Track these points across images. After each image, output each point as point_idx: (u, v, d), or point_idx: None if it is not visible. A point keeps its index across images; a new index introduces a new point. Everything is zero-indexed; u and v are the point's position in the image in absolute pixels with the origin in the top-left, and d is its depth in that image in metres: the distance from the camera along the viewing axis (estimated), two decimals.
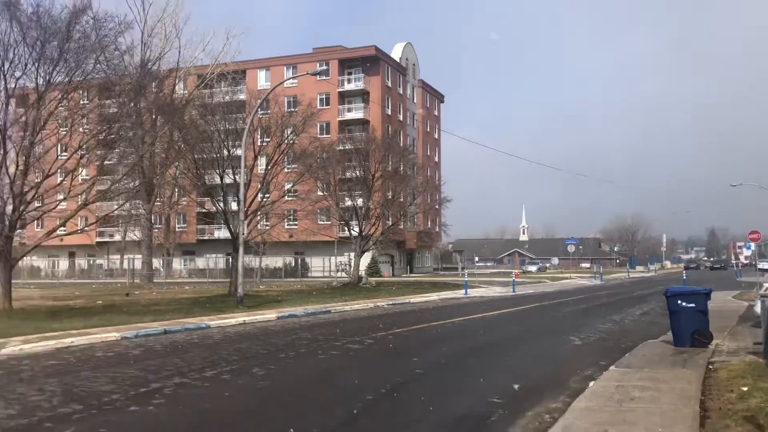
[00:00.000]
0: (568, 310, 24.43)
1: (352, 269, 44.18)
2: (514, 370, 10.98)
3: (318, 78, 57.34)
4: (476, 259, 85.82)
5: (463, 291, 34.52)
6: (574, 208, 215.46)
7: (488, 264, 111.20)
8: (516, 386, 9.29)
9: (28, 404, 8.20)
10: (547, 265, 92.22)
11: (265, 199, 34.05)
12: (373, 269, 58.33)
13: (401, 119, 70.04)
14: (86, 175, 27.94)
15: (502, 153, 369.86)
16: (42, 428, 6.96)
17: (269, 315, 20.95)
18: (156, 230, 53.85)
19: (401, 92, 70.68)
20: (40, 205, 24.98)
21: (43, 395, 8.75)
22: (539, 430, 7.00)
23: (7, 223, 21.59)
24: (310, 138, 36.81)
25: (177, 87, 48.23)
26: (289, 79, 47.08)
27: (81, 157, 24.09)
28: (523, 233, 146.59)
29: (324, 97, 62.84)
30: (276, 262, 58.89)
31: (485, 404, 8.21)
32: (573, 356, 12.63)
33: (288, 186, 38.80)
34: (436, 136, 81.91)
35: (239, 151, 28.78)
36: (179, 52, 47.54)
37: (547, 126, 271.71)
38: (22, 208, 22.08)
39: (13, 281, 23.00)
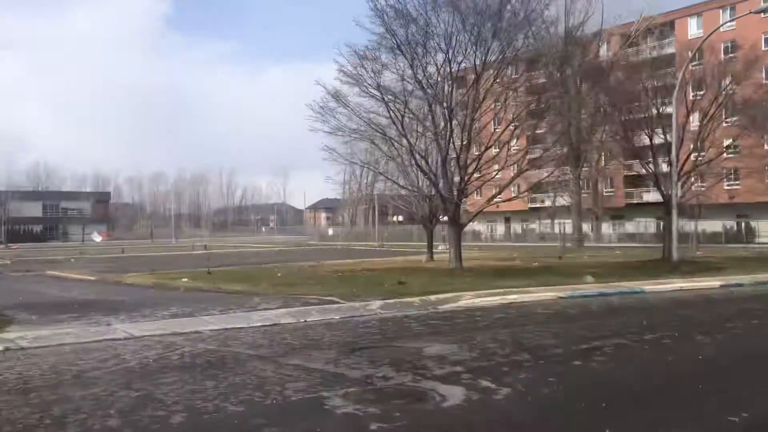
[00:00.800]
0: None
1: None
2: None
3: (762, 15, 50.24)
4: None
5: None
6: None
7: None
8: None
9: (486, 350, 9.32)
10: None
11: (699, 158, 31.57)
12: None
13: None
14: (518, 146, 29.87)
15: None
16: (500, 371, 7.84)
17: (710, 282, 19.49)
18: (584, 195, 54.57)
19: None
20: (480, 175, 27.57)
21: (496, 343, 9.83)
22: None
23: (455, 192, 24.50)
24: (754, 86, 32.65)
25: (601, 50, 47.75)
26: (726, 23, 42.42)
27: (514, 129, 25.84)
28: None
29: None
30: (714, 226, 54.06)
31: None
32: None
33: (727, 142, 35.20)
34: None
35: (669, 109, 27.21)
36: (602, 13, 46.96)
37: None
38: (466, 178, 24.78)
39: None
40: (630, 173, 50.44)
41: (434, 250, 34.33)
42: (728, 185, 47.52)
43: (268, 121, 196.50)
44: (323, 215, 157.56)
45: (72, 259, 42.33)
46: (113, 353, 9.50)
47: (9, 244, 75.46)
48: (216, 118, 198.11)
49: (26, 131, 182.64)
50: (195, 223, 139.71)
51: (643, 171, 34.04)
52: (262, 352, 9.41)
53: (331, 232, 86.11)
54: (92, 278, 25.92)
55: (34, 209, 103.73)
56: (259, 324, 12.14)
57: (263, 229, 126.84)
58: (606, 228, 64.08)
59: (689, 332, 10.73)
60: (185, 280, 22.22)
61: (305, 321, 12.54)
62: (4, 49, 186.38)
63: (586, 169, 49.22)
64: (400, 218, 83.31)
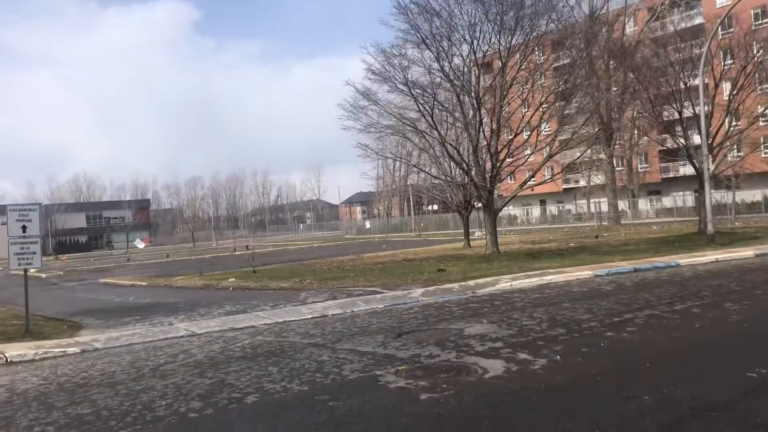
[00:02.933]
0: None
1: None
2: None
3: None
4: None
5: None
6: None
7: None
8: None
9: (524, 327, 9.96)
10: None
11: (732, 128, 31.51)
12: None
13: None
14: (548, 128, 30.19)
15: None
16: (536, 345, 8.49)
17: (745, 252, 19.74)
18: (618, 173, 54.39)
19: None
20: (512, 160, 28.02)
21: (533, 321, 10.46)
22: None
23: (488, 178, 25.04)
24: None
25: (626, 26, 47.48)
26: None
27: (543, 113, 26.21)
28: None
29: None
30: (753, 195, 53.43)
31: None
32: None
33: (761, 110, 34.94)
34: None
35: (697, 81, 27.27)
36: None
37: None
38: (497, 165, 25.28)
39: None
40: (664, 147, 50.10)
41: (471, 237, 34.90)
42: (766, 153, 46.90)
43: (299, 119, 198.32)
44: (358, 209, 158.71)
45: (123, 265, 43.98)
46: (180, 349, 10.38)
47: (58, 255, 78.06)
48: (248, 119, 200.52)
49: (65, 145, 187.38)
50: (233, 224, 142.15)
51: (675, 145, 34.07)
52: (315, 340, 10.19)
53: (368, 225, 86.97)
54: (143, 283, 27.11)
55: (78, 220, 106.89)
56: (309, 316, 12.94)
57: (300, 226, 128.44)
58: (643, 204, 63.72)
59: (719, 301, 11.20)
60: (232, 279, 23.20)
61: (352, 311, 13.31)
62: (42, 67, 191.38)
63: (618, 146, 49.07)
64: (435, 207, 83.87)
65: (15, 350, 10.91)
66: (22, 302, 20.26)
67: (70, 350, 10.92)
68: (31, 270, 13.73)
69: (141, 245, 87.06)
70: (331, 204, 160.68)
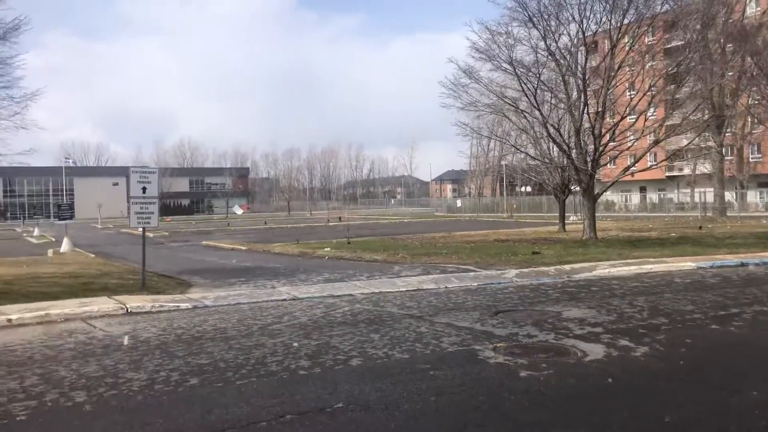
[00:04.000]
0: None
1: None
2: None
3: None
4: None
5: None
6: None
7: None
8: None
9: (624, 314, 9.85)
10: None
11: None
12: None
13: None
14: (654, 114, 29.04)
15: None
16: (637, 332, 8.40)
17: None
18: (727, 162, 51.69)
19: None
20: (615, 144, 27.20)
21: (633, 309, 10.31)
22: None
23: (589, 162, 24.47)
24: None
25: (747, 8, 44.71)
26: None
27: (652, 96, 25.26)
28: None
29: None
30: None
31: None
32: None
33: None
34: None
35: None
36: None
37: None
38: (600, 148, 24.64)
39: None
40: None
41: (566, 221, 34.26)
42: None
43: (394, 94, 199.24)
44: (449, 187, 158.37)
45: (223, 229, 45.98)
46: (284, 311, 10.91)
47: (163, 217, 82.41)
48: (345, 93, 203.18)
49: (171, 113, 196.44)
50: (326, 196, 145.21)
51: None
52: (412, 312, 10.46)
53: (459, 203, 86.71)
54: (243, 248, 28.32)
55: (182, 184, 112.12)
56: (404, 289, 13.24)
57: (391, 201, 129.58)
58: (752, 196, 60.35)
59: None
60: (328, 249, 23.88)
61: (446, 287, 13.51)
62: (153, 35, 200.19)
63: (729, 134, 46.59)
64: (529, 189, 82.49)
65: (134, 302, 11.78)
66: (134, 258, 21.77)
67: (183, 305, 11.68)
68: (139, 229, 14.69)
69: (239, 211, 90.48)
70: (421, 181, 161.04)
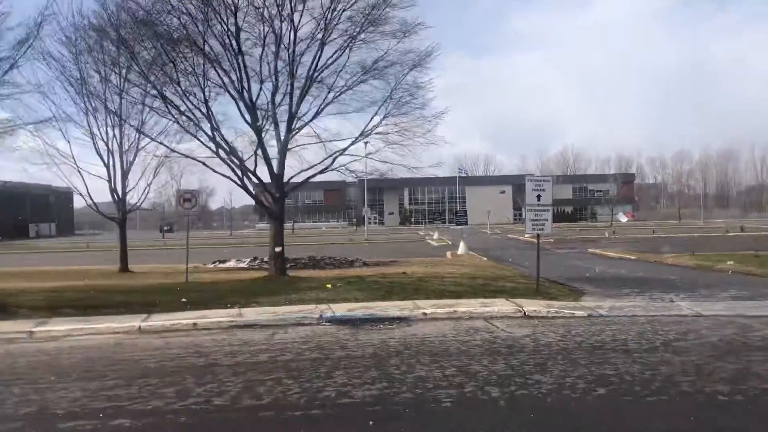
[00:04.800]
0: None
1: None
2: None
3: None
4: None
5: None
6: None
7: None
8: None
9: None
10: None
11: None
12: None
13: None
14: None
15: None
16: None
17: None
18: None
19: None
20: None
21: None
22: None
23: None
24: None
25: None
26: None
27: None
28: None
29: None
30: None
31: None
32: None
33: None
34: None
35: None
36: None
37: None
38: None
39: None
40: None
41: None
42: None
43: None
44: None
45: (607, 237, 44.99)
46: (687, 328, 10.13)
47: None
48: (747, 87, 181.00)
49: (554, 121, 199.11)
50: (722, 203, 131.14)
51: None
52: None
53: None
54: (632, 257, 27.22)
55: (566, 191, 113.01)
56: None
57: None
58: None
59: None
60: (730, 263, 21.51)
61: None
62: (533, 51, 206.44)
63: None
64: None
65: (530, 306, 12.23)
66: (522, 262, 22.68)
67: (578, 313, 11.71)
68: (526, 235, 15.16)
69: (624, 219, 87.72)
70: None
